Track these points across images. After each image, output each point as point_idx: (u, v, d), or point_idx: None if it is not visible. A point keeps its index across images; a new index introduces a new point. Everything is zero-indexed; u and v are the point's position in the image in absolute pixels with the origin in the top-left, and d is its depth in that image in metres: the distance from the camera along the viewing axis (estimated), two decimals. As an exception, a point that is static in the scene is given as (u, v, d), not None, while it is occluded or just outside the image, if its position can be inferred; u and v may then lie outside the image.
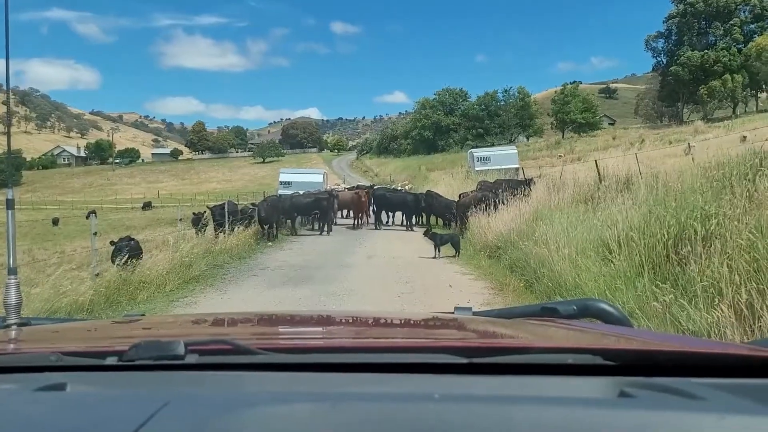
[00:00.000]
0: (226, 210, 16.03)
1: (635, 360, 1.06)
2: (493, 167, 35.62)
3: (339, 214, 24.55)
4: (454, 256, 13.31)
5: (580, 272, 7.18)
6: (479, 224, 14.54)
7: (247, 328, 1.84)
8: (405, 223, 21.26)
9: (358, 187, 30.01)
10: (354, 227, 21.48)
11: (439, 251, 13.44)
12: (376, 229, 21.08)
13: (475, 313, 1.84)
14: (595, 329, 1.51)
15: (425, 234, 14.23)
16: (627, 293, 5.95)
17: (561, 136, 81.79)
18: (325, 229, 19.68)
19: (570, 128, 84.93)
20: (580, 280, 6.98)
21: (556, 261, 8.00)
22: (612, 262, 6.96)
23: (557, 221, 9.82)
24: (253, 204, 19.17)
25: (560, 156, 52.08)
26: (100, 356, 1.11)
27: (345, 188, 31.13)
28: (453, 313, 1.85)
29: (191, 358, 1.05)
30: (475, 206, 15.77)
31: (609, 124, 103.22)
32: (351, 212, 23.55)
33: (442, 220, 20.80)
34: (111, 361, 1.09)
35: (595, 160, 15.51)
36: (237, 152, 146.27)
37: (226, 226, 15.46)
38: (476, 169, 38.01)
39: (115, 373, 1.07)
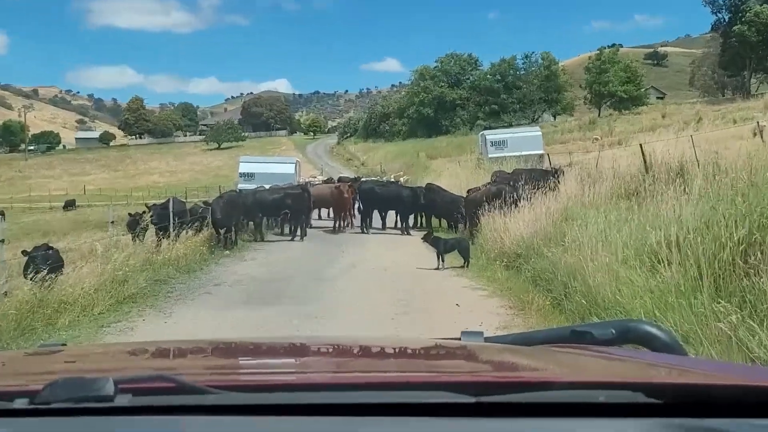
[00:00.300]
0: (170, 210, 15.97)
1: (685, 397, 1.07)
2: (511, 153, 35.68)
3: (315, 213, 24.50)
4: (462, 267, 13.36)
5: (622, 286, 7.22)
6: (494, 226, 14.59)
7: (196, 360, 1.84)
8: (400, 224, 21.30)
9: (339, 179, 30.03)
10: (335, 230, 21.49)
11: (442, 260, 13.47)
12: (362, 232, 21.09)
13: (487, 339, 1.85)
14: (637, 358, 1.52)
15: (425, 239, 14.25)
16: (680, 312, 5.98)
17: (597, 114, 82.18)
18: (298, 233, 19.67)
19: (608, 104, 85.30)
20: (622, 296, 7.02)
21: (591, 272, 8.04)
22: (661, 273, 7.00)
23: (592, 222, 9.88)
24: (205, 202, 19.13)
25: (596, 139, 52.38)
26: (6, 398, 1.10)
27: (323, 181, 31.12)
28: (459, 339, 1.85)
29: (122, 399, 1.05)
30: (488, 203, 15.80)
31: (657, 98, 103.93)
32: (331, 211, 23.50)
33: (446, 220, 20.84)
34: (21, 404, 1.08)
35: (640, 144, 15.56)
36: (185, 136, 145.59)
37: (171, 231, 15.40)
38: (490, 155, 38.11)
39: (26, 419, 1.06)
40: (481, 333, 1.88)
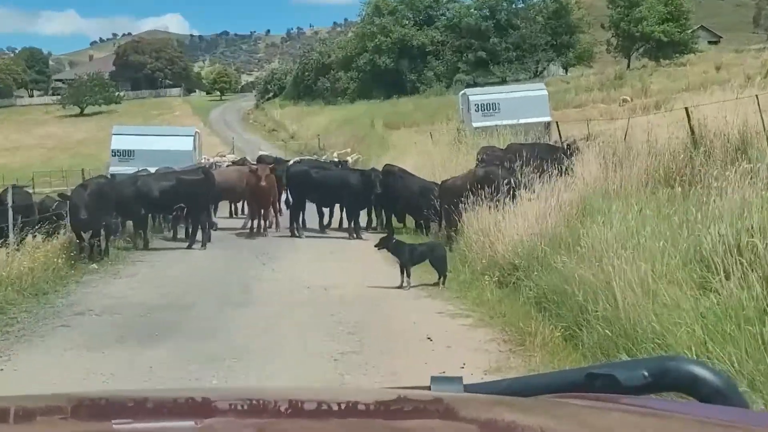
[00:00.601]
0: (9, 204, 15.72)
1: None
2: (506, 122, 35.88)
3: (229, 209, 24.36)
4: (435, 285, 13.43)
5: (661, 309, 7.30)
6: (481, 226, 14.65)
7: (47, 424, 1.82)
8: (346, 224, 21.33)
9: (259, 159, 29.85)
10: (252, 233, 21.38)
11: (408, 275, 13.49)
12: (293, 235, 21.04)
13: (467, 388, 1.85)
14: (679, 412, 1.54)
15: (383, 244, 14.21)
16: (743, 345, 6.06)
17: (626, 66, 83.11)
18: (199, 236, 19.52)
19: (641, 51, 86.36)
20: (661, 323, 7.10)
21: (618, 290, 8.11)
22: (716, 289, 7.10)
23: (620, 218, 9.98)
24: (61, 195, 18.84)
25: (625, 101, 53.04)
26: None
27: (234, 162, 30.90)
28: (429, 388, 1.86)
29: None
30: (473, 193, 15.86)
31: (710, 42, 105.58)
32: (245, 205, 23.35)
33: (413, 218, 20.90)
34: None
35: (686, 108, 15.82)
36: (31, 96, 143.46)
37: (11, 235, 15.16)
38: (475, 124, 38.27)
39: None
40: (460, 379, 1.88)
